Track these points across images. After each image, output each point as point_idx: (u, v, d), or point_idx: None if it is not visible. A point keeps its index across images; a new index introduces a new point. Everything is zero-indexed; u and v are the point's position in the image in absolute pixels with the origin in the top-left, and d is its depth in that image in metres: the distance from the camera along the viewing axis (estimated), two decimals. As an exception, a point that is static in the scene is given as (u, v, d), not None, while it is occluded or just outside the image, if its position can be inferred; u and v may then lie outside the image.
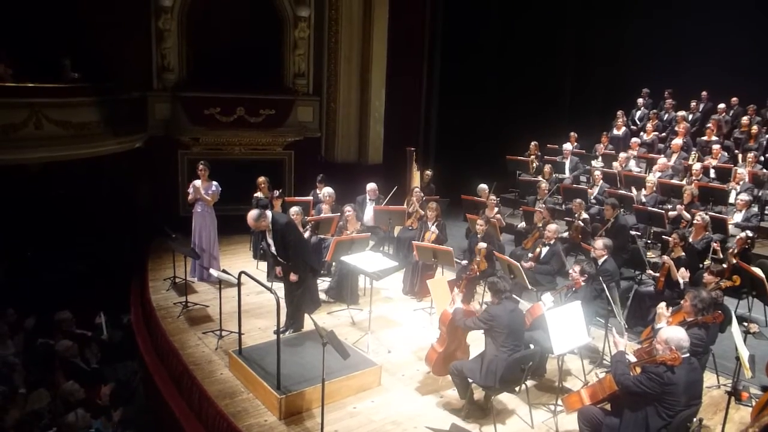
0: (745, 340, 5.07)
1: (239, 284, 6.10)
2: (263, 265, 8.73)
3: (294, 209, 7.84)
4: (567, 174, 11.91)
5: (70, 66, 9.49)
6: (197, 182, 8.26)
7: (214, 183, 8.31)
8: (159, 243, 9.36)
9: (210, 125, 10.74)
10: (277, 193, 8.96)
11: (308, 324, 6.44)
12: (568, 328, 5.31)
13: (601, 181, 10.58)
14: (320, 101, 11.99)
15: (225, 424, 5.32)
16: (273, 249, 6.67)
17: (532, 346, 5.58)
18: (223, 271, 7.07)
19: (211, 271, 7.55)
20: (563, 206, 10.63)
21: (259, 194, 9.31)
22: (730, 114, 12.80)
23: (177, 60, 10.64)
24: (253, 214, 6.42)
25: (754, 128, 11.46)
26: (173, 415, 5.93)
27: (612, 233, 7.95)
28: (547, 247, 7.78)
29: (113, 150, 9.70)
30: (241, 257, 9.54)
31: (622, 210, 8.87)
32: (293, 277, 6.58)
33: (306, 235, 7.78)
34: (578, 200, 9.38)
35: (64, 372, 6.88)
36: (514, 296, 5.56)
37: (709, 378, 5.81)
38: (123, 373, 7.53)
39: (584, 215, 9.14)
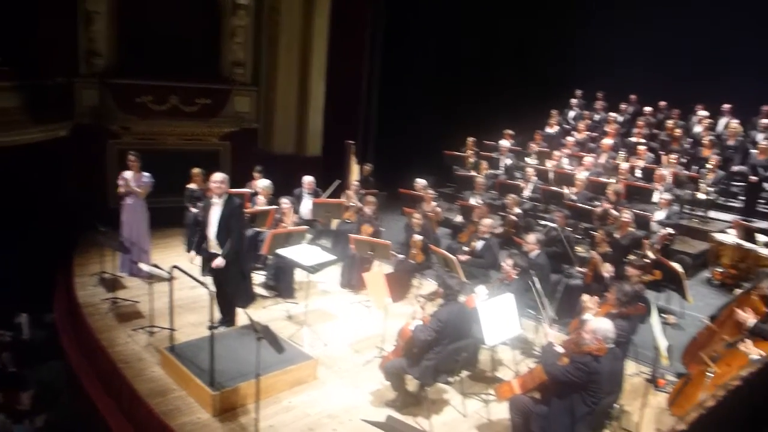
0: (663, 331, 5.34)
1: (171, 279, 5.95)
2: (197, 259, 8.51)
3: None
4: (502, 170, 12.19)
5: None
6: (128, 173, 7.99)
7: (146, 174, 8.05)
8: (86, 237, 9.00)
9: (141, 114, 10.35)
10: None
11: (243, 319, 6.35)
12: (501, 319, 5.46)
13: (534, 178, 10.89)
14: (258, 91, 11.77)
15: (156, 423, 5.18)
16: (209, 230, 6.42)
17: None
18: (154, 265, 6.87)
19: (141, 265, 7.31)
20: (498, 201, 10.87)
21: (192, 185, 9.09)
22: (657, 117, 13.43)
23: (106, 44, 10.14)
24: (220, 174, 6.38)
25: (678, 131, 12.06)
26: (101, 416, 5.73)
27: (553, 242, 8.18)
28: (482, 241, 7.95)
29: (36, 138, 9.17)
30: (173, 251, 9.28)
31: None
32: (218, 262, 6.33)
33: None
34: (512, 195, 9.63)
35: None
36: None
37: (629, 366, 6.08)
38: (46, 375, 7.19)
39: (517, 210, 9.39)
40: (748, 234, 8.79)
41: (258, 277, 8.11)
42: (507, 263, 6.49)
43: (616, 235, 8.05)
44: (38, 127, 9.21)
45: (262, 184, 9.13)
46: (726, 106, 12.41)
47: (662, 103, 13.62)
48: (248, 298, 7.51)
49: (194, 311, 7.21)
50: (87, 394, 6.11)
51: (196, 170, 9.14)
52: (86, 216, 8.15)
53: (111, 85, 10.13)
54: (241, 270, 6.66)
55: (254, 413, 4.91)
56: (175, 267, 5.88)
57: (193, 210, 8.60)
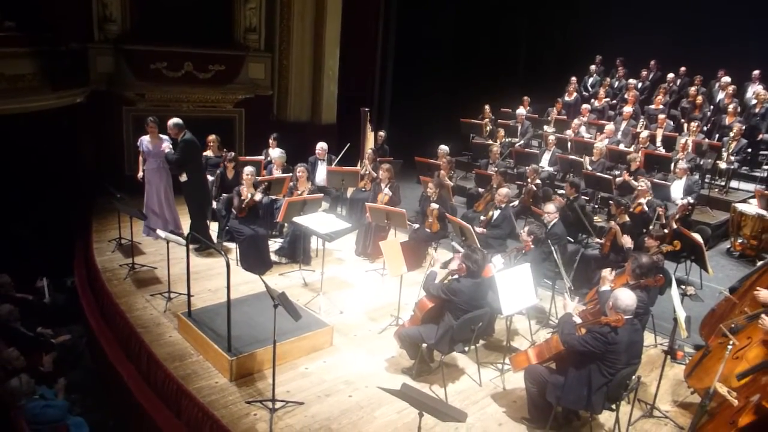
0: (682, 302, 5.28)
1: (188, 245, 5.98)
2: (214, 225, 8.55)
3: (248, 169, 7.68)
4: (519, 138, 12.03)
5: (2, 15, 8.87)
6: (145, 138, 7.96)
7: (165, 138, 8.00)
8: (103, 203, 9.06)
9: (156, 80, 10.30)
10: (230, 155, 8.69)
11: (259, 285, 6.36)
12: (517, 289, 5.42)
13: (554, 147, 10.73)
14: (272, 58, 11.66)
15: (174, 387, 5.26)
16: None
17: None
18: (171, 231, 6.90)
19: (159, 231, 7.36)
20: (515, 170, 10.76)
21: (208, 153, 9.08)
22: (678, 84, 13.12)
23: (120, 10, 10.06)
24: (176, 120, 7.57)
25: (699, 98, 11.77)
26: (121, 378, 5.82)
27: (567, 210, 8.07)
28: (499, 211, 7.87)
29: (52, 105, 9.16)
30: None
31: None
32: (183, 177, 7.55)
33: (257, 197, 7.64)
34: (533, 166, 9.51)
35: (4, 338, 6.62)
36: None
37: (647, 337, 6.04)
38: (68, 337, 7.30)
39: (537, 181, 9.27)
40: (771, 204, 8.62)
41: (274, 245, 8.13)
42: (524, 233, 6.43)
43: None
44: (55, 94, 9.18)
45: (274, 153, 9.10)
46: (755, 73, 12.03)
47: (683, 69, 13.28)
48: (265, 264, 7.55)
49: (211, 277, 7.25)
50: (107, 357, 6.21)
51: (211, 137, 9.13)
52: (102, 182, 8.17)
53: (125, 51, 10.07)
54: (199, 203, 7.77)
55: (271, 379, 4.96)
56: (191, 233, 5.90)
57: (210, 177, 8.58)
